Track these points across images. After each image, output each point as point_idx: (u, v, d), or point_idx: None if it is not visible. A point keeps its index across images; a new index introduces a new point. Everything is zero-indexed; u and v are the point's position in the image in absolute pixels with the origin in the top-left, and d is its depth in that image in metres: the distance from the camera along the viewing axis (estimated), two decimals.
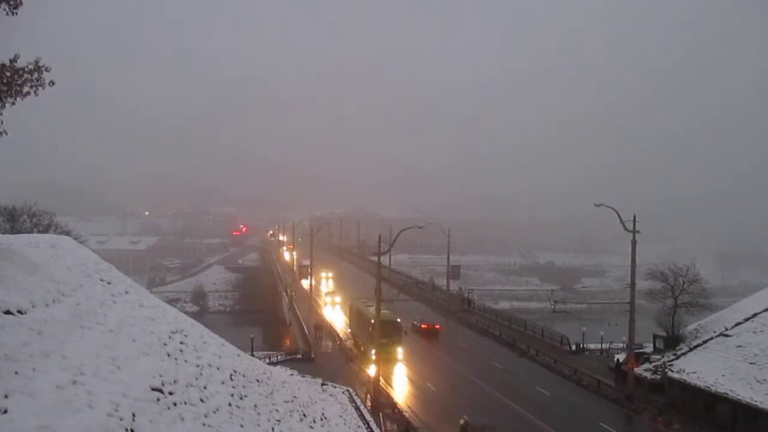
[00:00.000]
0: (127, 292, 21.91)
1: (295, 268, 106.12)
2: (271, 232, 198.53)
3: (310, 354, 49.32)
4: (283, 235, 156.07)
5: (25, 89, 16.42)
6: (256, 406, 21.44)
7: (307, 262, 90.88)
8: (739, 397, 30.83)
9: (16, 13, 15.98)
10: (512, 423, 33.87)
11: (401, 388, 41.54)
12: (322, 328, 59.91)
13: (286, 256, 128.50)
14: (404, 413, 34.37)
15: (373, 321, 42.40)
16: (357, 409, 34.64)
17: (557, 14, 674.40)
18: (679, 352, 39.01)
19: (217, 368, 21.02)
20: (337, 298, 75.75)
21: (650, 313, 46.35)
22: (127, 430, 12.15)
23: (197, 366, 19.42)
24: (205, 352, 21.74)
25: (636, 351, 39.93)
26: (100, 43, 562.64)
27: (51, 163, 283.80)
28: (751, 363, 32.86)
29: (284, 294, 79.71)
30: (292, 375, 38.52)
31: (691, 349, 38.31)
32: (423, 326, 59.15)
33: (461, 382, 41.97)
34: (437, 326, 60.29)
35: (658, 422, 33.81)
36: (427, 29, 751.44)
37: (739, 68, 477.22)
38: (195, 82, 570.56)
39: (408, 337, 50.38)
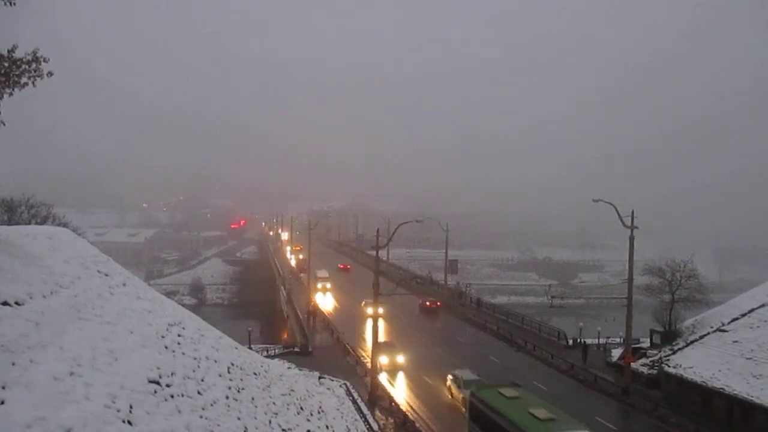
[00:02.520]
0: (124, 285, 21.90)
1: (298, 269, 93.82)
2: (270, 225, 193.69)
3: (308, 347, 49.35)
4: (283, 230, 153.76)
5: (23, 80, 16.33)
6: (253, 398, 21.47)
7: (323, 274, 79.68)
8: (735, 392, 30.92)
9: (14, 4, 15.85)
10: None
11: (397, 383, 41.50)
12: (316, 315, 59.98)
13: (291, 260, 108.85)
14: (401, 407, 34.37)
15: None
16: (354, 402, 34.70)
17: (555, 5, 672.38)
18: (675, 347, 39.10)
19: (215, 361, 21.05)
20: (400, 357, 43.83)
21: (647, 308, 46.40)
22: (124, 421, 12.16)
23: (195, 358, 19.44)
24: (202, 344, 21.76)
25: (633, 346, 40.00)
26: (101, 35, 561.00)
27: (49, 154, 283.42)
28: (747, 358, 32.95)
29: (282, 287, 79.55)
30: (289, 368, 38.59)
31: (687, 345, 38.39)
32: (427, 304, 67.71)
33: None
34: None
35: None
36: (426, 17, 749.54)
37: (738, 66, 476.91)
38: (195, 77, 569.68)
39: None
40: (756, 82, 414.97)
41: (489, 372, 43.19)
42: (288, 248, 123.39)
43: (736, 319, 37.99)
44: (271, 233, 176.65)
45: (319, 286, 76.76)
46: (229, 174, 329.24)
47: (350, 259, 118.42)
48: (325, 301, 73.12)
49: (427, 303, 67.85)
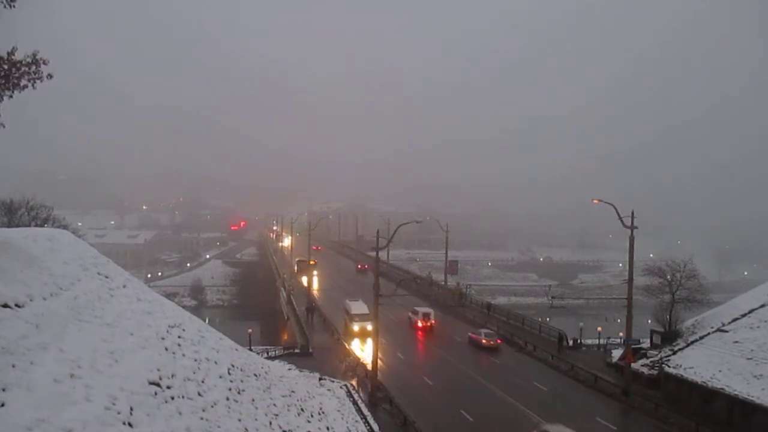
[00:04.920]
0: (124, 286, 21.89)
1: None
2: (275, 228, 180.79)
3: (308, 348, 49.29)
4: (284, 233, 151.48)
5: (23, 82, 16.33)
6: (253, 400, 21.46)
7: (360, 309, 54.91)
8: (735, 393, 30.91)
9: (14, 6, 15.86)
10: (510, 417, 33.92)
11: (398, 382, 41.36)
12: (314, 311, 60.40)
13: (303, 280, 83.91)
14: (401, 407, 34.29)
15: None
16: (355, 403, 34.64)
17: (554, 4, 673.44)
18: (676, 348, 39.10)
19: (215, 362, 21.04)
20: None
21: (648, 308, 46.43)
22: (124, 423, 12.15)
23: (195, 360, 19.43)
24: (202, 346, 21.74)
25: (633, 346, 39.99)
26: (101, 36, 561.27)
27: (49, 156, 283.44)
28: (747, 358, 32.94)
29: (282, 288, 79.41)
30: (290, 369, 38.56)
31: (688, 345, 38.39)
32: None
33: (459, 377, 42.00)
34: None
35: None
36: (427, 18, 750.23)
37: (738, 66, 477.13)
38: (196, 78, 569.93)
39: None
40: (757, 82, 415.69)
41: (489, 371, 43.24)
42: (295, 260, 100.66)
43: (737, 319, 38.00)
44: (273, 236, 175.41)
45: (356, 328, 53.42)
46: (229, 175, 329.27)
47: (349, 259, 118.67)
48: (368, 356, 43.78)
49: (359, 266, 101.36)
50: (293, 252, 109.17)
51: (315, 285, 78.56)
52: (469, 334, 52.53)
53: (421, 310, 58.12)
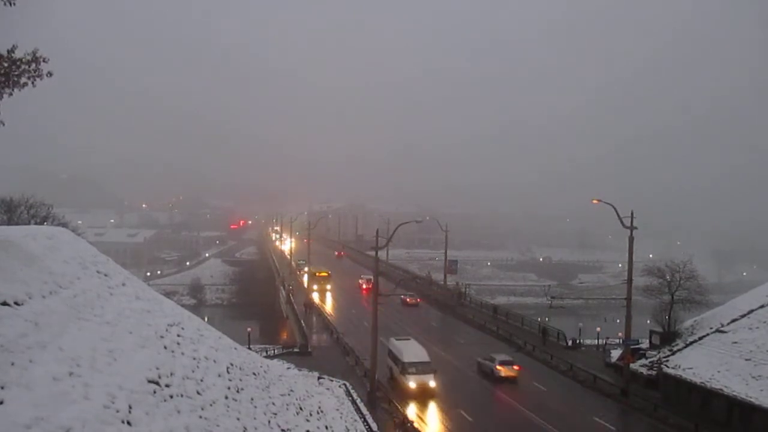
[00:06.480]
0: (124, 285, 21.87)
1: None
2: (276, 228, 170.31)
3: (307, 348, 49.36)
4: (283, 233, 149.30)
5: (23, 80, 16.29)
6: (252, 399, 21.46)
7: (416, 356, 37.62)
8: (734, 393, 30.92)
9: (15, 4, 15.84)
10: (509, 417, 33.94)
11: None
12: (312, 307, 61.95)
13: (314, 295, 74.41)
14: (400, 407, 34.32)
15: None
16: (353, 402, 34.67)
17: (555, 4, 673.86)
18: (675, 348, 39.11)
19: (214, 361, 21.03)
20: None
21: (647, 309, 46.41)
22: (123, 422, 12.16)
23: (194, 359, 19.43)
24: (201, 344, 21.74)
25: (632, 347, 40.01)
26: (101, 35, 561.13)
27: (49, 154, 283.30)
28: (746, 359, 32.94)
29: (281, 288, 79.38)
30: (288, 368, 38.58)
31: (687, 345, 38.40)
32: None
33: (458, 377, 42.01)
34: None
35: None
36: (426, 18, 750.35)
37: (738, 66, 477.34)
38: (197, 78, 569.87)
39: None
40: (757, 82, 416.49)
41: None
42: (302, 266, 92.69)
43: (736, 320, 37.97)
44: (272, 235, 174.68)
45: (413, 385, 36.24)
46: (229, 175, 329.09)
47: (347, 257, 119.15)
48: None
49: (336, 253, 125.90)
50: (292, 251, 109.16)
51: (328, 302, 74.81)
52: (402, 296, 68.79)
53: (365, 276, 78.57)
